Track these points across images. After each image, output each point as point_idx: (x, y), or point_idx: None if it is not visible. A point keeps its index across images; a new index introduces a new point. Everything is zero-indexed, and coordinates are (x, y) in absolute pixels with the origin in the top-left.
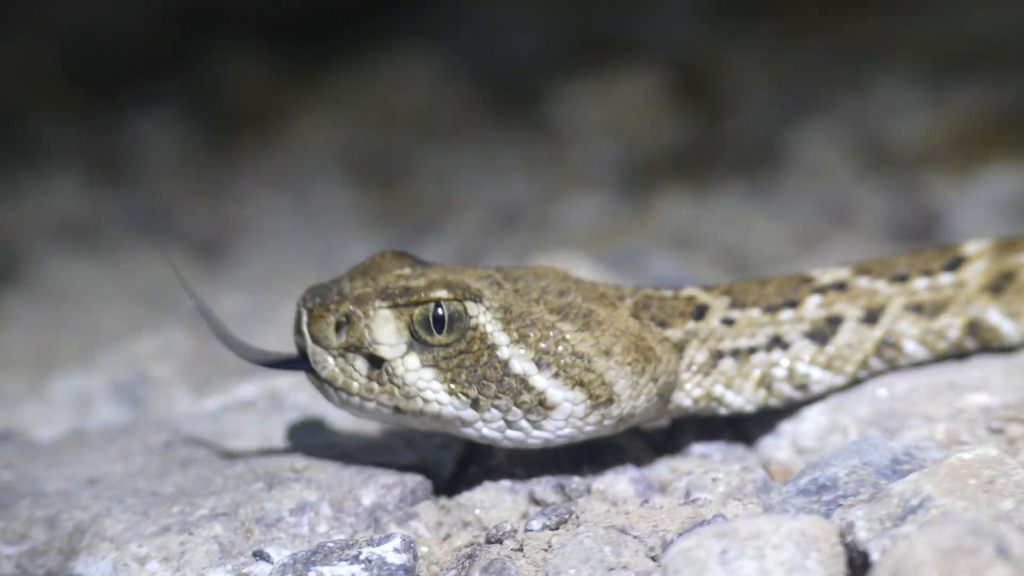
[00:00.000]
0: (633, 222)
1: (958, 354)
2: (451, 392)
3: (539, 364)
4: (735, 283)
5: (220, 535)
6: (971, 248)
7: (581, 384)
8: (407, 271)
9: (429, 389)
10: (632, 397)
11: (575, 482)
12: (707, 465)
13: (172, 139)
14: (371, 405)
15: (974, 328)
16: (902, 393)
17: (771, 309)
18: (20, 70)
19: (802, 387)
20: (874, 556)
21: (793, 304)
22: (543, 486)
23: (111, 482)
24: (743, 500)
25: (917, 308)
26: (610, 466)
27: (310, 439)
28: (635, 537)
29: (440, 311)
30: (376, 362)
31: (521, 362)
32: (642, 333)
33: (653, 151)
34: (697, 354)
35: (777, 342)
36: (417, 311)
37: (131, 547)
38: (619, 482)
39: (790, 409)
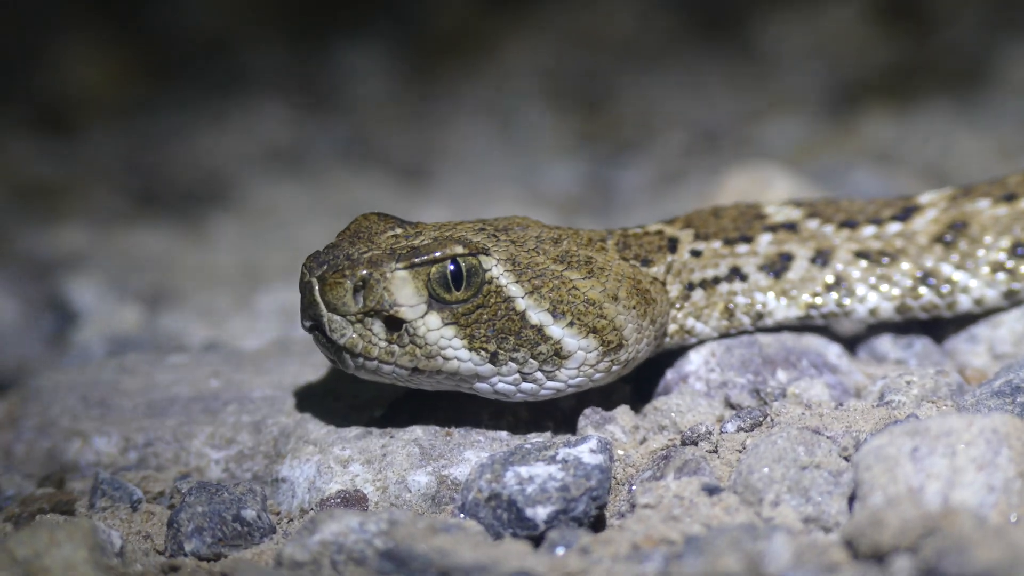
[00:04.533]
0: (835, 140)
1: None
2: (471, 348)
3: (554, 314)
4: (691, 214)
5: (420, 438)
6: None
7: (594, 331)
8: (398, 231)
9: (450, 347)
10: (637, 340)
11: (771, 386)
12: (902, 369)
13: (377, 68)
14: (388, 368)
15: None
16: None
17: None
18: (230, 2)
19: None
20: None
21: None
22: (739, 390)
23: (314, 388)
24: (937, 402)
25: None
26: (806, 371)
27: None
28: (828, 437)
29: (455, 267)
30: (395, 324)
31: (537, 313)
32: (637, 275)
33: (858, 71)
34: (672, 289)
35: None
36: (434, 269)
37: (334, 450)
38: (814, 386)
39: (987, 315)
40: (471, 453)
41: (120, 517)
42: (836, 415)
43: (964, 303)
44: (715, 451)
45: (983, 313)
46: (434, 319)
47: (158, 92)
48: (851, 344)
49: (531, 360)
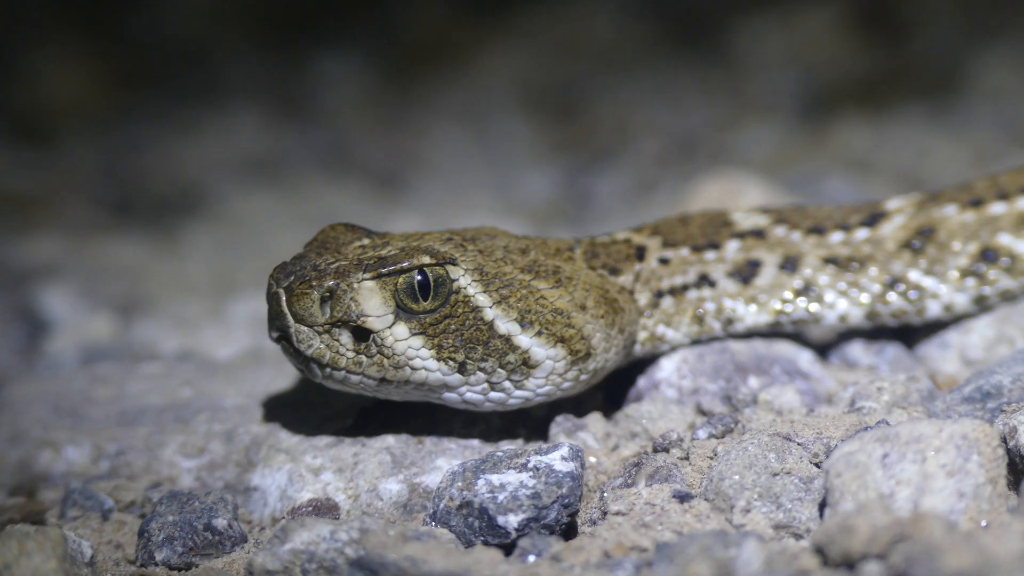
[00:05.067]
0: (810, 147)
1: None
2: (439, 358)
3: (522, 324)
4: (660, 222)
5: (392, 446)
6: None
7: (562, 340)
8: (366, 242)
9: (418, 357)
10: (605, 350)
11: (742, 393)
12: (873, 376)
13: (353, 77)
14: (355, 379)
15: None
16: None
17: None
18: (207, 11)
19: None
20: None
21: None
22: (710, 397)
23: (287, 397)
24: (908, 408)
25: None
26: (777, 378)
27: None
28: (799, 444)
29: (422, 277)
30: (362, 335)
31: (505, 323)
32: (604, 285)
33: (832, 79)
34: (640, 297)
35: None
36: (401, 279)
37: (306, 458)
38: (785, 393)
39: (957, 321)
40: (443, 461)
41: (91, 527)
42: (807, 422)
43: (933, 309)
44: (686, 458)
45: (952, 319)
46: (402, 329)
47: (134, 102)
48: (823, 351)
49: (499, 370)
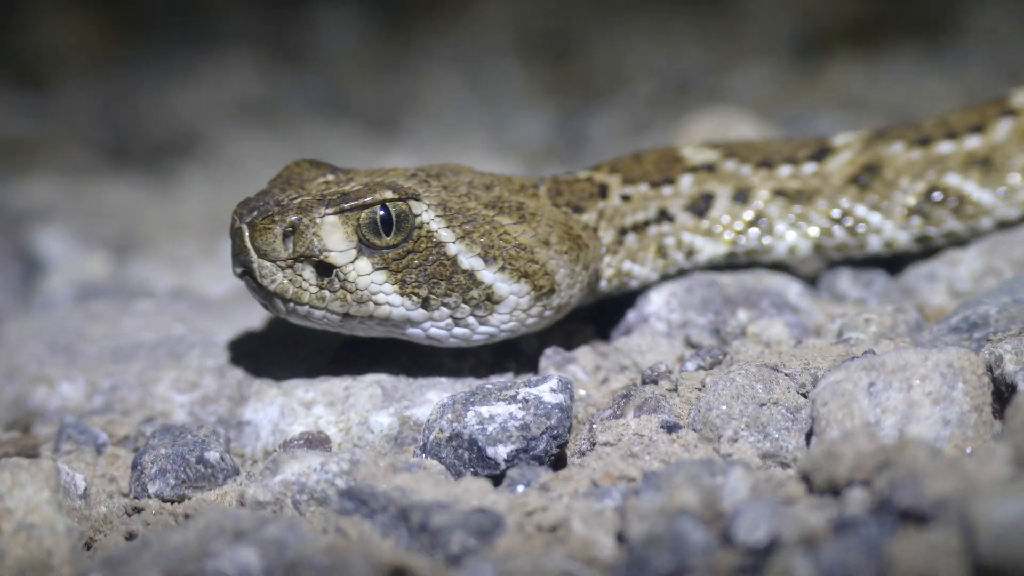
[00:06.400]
0: (804, 87)
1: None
2: (402, 293)
3: (485, 259)
4: (616, 160)
5: (383, 380)
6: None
7: (526, 276)
8: (330, 177)
9: (381, 292)
10: (570, 286)
11: (731, 326)
12: (861, 308)
13: (349, 23)
14: (319, 314)
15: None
16: None
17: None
18: None
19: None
20: (1021, 386)
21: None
22: (699, 330)
23: (278, 332)
24: (895, 339)
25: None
26: (766, 311)
27: None
28: (786, 375)
29: (384, 212)
30: (325, 270)
31: (468, 258)
32: (568, 221)
33: (826, 20)
34: (605, 235)
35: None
36: (363, 214)
37: (298, 392)
38: (774, 325)
39: (945, 253)
40: (433, 394)
41: (85, 460)
42: (795, 353)
43: (874, 244)
44: (675, 390)
45: (892, 256)
46: (364, 264)
47: (131, 48)
48: (811, 284)
49: (463, 305)
